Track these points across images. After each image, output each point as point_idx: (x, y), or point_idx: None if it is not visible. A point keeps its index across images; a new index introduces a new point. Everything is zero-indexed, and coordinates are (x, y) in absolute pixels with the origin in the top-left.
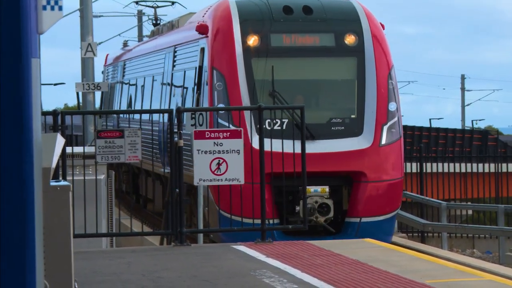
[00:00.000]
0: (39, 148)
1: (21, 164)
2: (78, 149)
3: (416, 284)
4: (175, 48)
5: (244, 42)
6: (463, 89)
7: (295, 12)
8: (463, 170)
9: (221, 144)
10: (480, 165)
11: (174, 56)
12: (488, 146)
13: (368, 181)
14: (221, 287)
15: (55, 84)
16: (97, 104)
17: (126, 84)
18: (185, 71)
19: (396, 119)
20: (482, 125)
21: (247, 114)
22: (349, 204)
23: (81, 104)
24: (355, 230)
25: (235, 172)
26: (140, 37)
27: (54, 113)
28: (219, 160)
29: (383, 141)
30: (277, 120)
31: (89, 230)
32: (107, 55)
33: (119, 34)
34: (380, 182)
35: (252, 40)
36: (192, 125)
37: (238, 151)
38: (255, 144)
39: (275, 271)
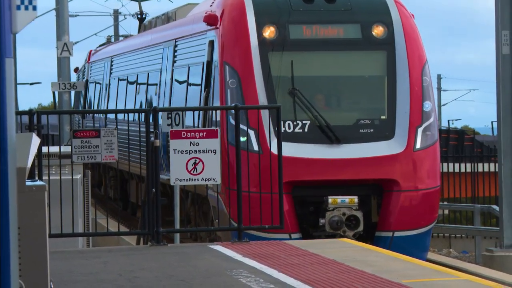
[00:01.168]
0: (13, 147)
1: None
2: (54, 149)
3: (393, 283)
4: (176, 42)
5: (259, 34)
6: (439, 89)
7: (316, 1)
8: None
9: (197, 144)
10: (457, 164)
11: (175, 51)
12: (465, 146)
13: (401, 191)
14: (197, 286)
15: (31, 84)
16: (78, 102)
17: (114, 82)
18: (189, 67)
19: (431, 120)
20: (458, 125)
21: (264, 114)
22: (379, 216)
23: (57, 104)
24: (387, 245)
25: (212, 172)
26: (117, 36)
27: (30, 112)
28: (195, 160)
29: (418, 145)
30: (297, 121)
31: (65, 230)
32: (91, 51)
33: (95, 34)
34: (414, 191)
35: (269, 32)
36: (168, 124)
37: (214, 151)
38: (275, 149)
39: (252, 271)
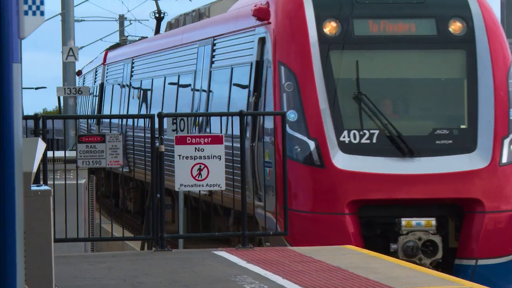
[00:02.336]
0: (19, 152)
1: (2, 168)
2: (59, 154)
3: None
4: (214, 40)
5: (319, 29)
6: None
7: None
8: None
9: (202, 150)
10: None
11: (213, 50)
12: None
13: (485, 212)
14: None
15: (36, 88)
16: (85, 107)
17: (136, 85)
18: (232, 68)
19: None
20: None
21: (327, 122)
22: (459, 241)
23: (62, 108)
24: (469, 275)
25: (216, 177)
26: (124, 41)
27: (35, 117)
28: (200, 166)
29: (504, 159)
30: (364, 131)
31: (70, 234)
32: (107, 52)
33: (100, 39)
34: (500, 212)
35: (330, 27)
36: (173, 130)
37: (219, 157)
38: (338, 162)
39: (256, 277)
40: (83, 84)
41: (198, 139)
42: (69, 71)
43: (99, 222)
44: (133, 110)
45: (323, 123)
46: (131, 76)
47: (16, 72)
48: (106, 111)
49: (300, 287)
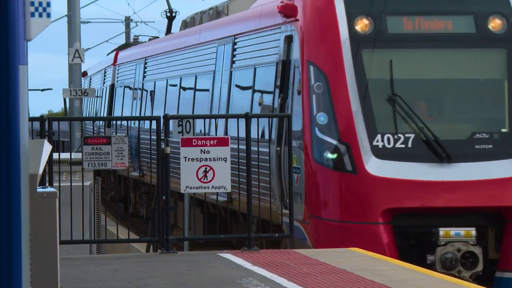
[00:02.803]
0: (26, 154)
1: (8, 170)
2: (65, 155)
3: None
4: (235, 39)
5: (350, 26)
6: None
7: None
8: None
9: (208, 152)
10: None
11: (234, 50)
12: None
13: None
14: None
15: (42, 90)
16: (92, 109)
17: (149, 86)
18: (255, 68)
19: None
20: None
21: (359, 125)
22: (501, 252)
23: (67, 110)
24: None
25: (222, 180)
26: (135, 42)
27: (41, 119)
28: (206, 168)
29: None
30: (399, 135)
31: (75, 236)
32: (117, 52)
33: (106, 41)
34: None
35: (362, 25)
36: (179, 132)
37: (225, 159)
38: (372, 168)
39: (262, 280)
40: (90, 85)
41: (204, 141)
42: (75, 73)
43: (104, 224)
44: (146, 112)
45: (355, 127)
46: (144, 77)
47: (23, 74)
48: (117, 113)
49: None
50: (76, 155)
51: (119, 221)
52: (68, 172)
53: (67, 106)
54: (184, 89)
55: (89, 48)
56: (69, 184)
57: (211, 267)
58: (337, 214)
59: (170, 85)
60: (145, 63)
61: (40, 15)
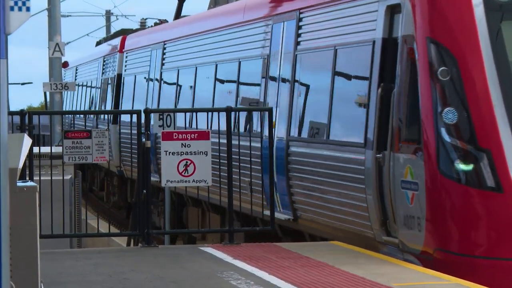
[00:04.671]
0: (5, 148)
1: None
2: (45, 149)
3: (383, 286)
4: (300, 13)
5: None
6: None
7: None
8: None
9: (189, 146)
10: None
11: (299, 28)
12: None
13: None
14: None
15: (22, 84)
16: (81, 101)
17: (170, 75)
18: (336, 50)
19: None
20: None
21: (501, 125)
22: None
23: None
24: None
25: (203, 173)
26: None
27: (21, 113)
28: (186, 162)
29: None
30: None
31: (56, 230)
32: (124, 37)
33: (87, 34)
34: None
35: None
36: (159, 126)
37: (205, 153)
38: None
39: (242, 273)
40: (75, 77)
41: (185, 135)
42: (56, 67)
43: (85, 218)
44: (168, 105)
45: (498, 127)
46: (162, 64)
47: (2, 68)
48: (127, 106)
49: (287, 283)
50: (57, 149)
51: (99, 215)
52: (49, 166)
53: (48, 100)
54: (222, 79)
55: (69, 42)
56: (50, 178)
57: (192, 261)
58: (475, 247)
59: (200, 74)
60: (164, 49)
61: (20, 9)
